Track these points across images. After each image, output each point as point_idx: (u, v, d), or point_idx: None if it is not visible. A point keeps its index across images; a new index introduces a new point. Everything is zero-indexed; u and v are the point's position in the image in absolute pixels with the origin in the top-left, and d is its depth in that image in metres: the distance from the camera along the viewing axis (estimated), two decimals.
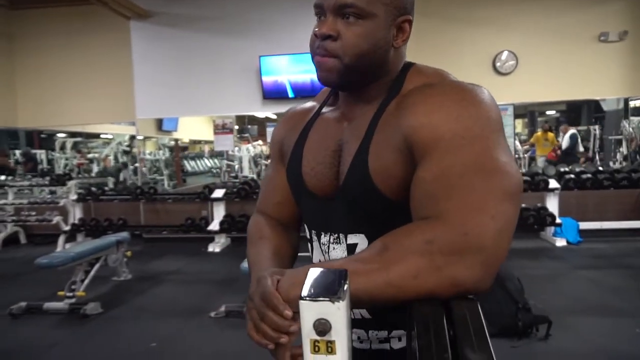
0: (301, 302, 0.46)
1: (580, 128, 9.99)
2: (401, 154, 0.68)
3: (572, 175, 5.13)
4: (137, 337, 3.03)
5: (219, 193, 5.53)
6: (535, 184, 4.98)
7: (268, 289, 0.58)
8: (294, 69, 5.68)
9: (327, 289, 0.47)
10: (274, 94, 5.90)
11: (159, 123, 8.72)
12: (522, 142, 8.82)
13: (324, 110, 0.85)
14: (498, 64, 5.72)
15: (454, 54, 5.75)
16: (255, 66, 5.83)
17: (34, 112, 6.63)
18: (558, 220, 4.88)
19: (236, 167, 10.78)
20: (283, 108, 6.00)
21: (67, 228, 5.69)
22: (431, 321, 0.54)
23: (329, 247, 0.80)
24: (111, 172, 9.71)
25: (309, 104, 0.91)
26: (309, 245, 0.86)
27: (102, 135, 11.28)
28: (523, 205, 5.04)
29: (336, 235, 0.78)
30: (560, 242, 4.93)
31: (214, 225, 5.45)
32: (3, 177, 7.24)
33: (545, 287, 3.62)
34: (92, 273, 3.74)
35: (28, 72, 6.56)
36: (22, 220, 5.95)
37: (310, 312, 0.46)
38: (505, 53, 5.70)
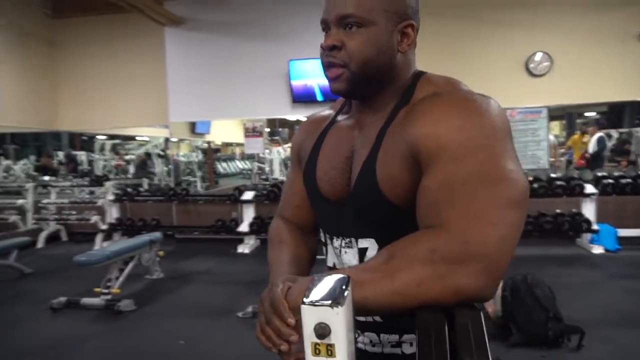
0: (302, 306, 0.49)
1: (622, 130, 9.57)
2: (407, 162, 0.70)
3: (611, 180, 4.94)
4: (167, 334, 3.13)
5: (248, 195, 5.63)
6: (571, 188, 4.83)
7: (277, 296, 0.61)
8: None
9: (328, 295, 0.49)
10: (303, 98, 5.96)
11: (192, 126, 8.95)
12: (559, 145, 8.55)
13: (339, 118, 0.89)
14: (531, 66, 5.57)
15: (485, 56, 5.65)
16: (285, 70, 5.91)
17: (75, 116, 6.93)
18: (595, 227, 4.71)
19: (267, 169, 10.93)
20: (312, 111, 6.01)
21: (104, 227, 5.92)
22: (432, 328, 0.56)
23: (340, 250, 0.82)
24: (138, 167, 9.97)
25: (327, 111, 0.94)
26: (324, 248, 0.89)
27: (137, 138, 11.68)
28: (558, 210, 4.89)
29: (348, 239, 0.81)
30: (597, 250, 4.75)
31: (244, 227, 5.55)
32: (47, 178, 7.62)
33: (579, 296, 3.51)
34: (126, 271, 3.89)
35: (69, 78, 6.87)
36: (64, 219, 6.24)
37: (310, 316, 0.48)
38: (539, 54, 5.54)
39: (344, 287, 0.51)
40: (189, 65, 6.28)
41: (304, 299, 0.49)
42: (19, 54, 6.23)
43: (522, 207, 0.63)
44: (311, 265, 0.92)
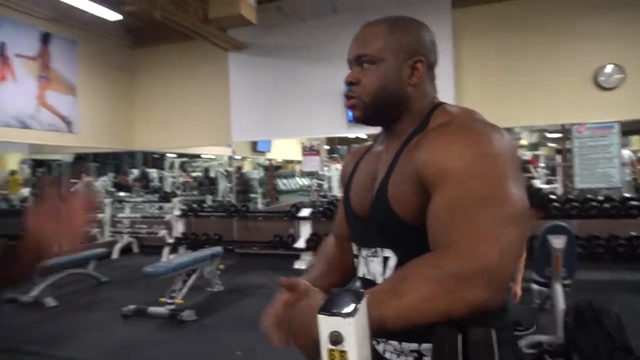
0: (319, 316, 0.55)
1: None
2: (415, 184, 0.78)
3: None
4: (225, 345, 3.28)
5: (305, 212, 5.76)
6: None
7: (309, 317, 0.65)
8: None
9: (341, 307, 0.55)
10: None
11: (254, 144, 9.31)
12: (638, 162, 7.94)
13: (375, 145, 1.01)
14: (601, 79, 5.28)
15: (549, 69, 5.44)
16: (341, 90, 6.02)
17: (149, 137, 7.49)
18: None
19: (325, 186, 11.07)
20: (367, 131, 6.11)
21: (170, 241, 6.30)
22: (446, 343, 0.60)
23: (367, 259, 0.91)
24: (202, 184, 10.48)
25: (369, 143, 1.08)
26: (356, 260, 0.98)
27: (203, 156, 12.31)
28: (632, 233, 4.55)
29: (373, 249, 0.90)
30: None
31: (300, 243, 5.67)
32: (122, 194, 8.25)
33: None
34: (189, 283, 4.12)
35: (144, 102, 7.47)
36: (136, 232, 6.73)
37: (325, 325, 0.54)
38: (610, 67, 5.25)
39: (357, 300, 0.56)
40: (251, 87, 6.59)
41: (320, 309, 0.55)
42: (101, 82, 6.88)
43: (521, 224, 0.69)
44: (350, 271, 1.03)
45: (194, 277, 4.21)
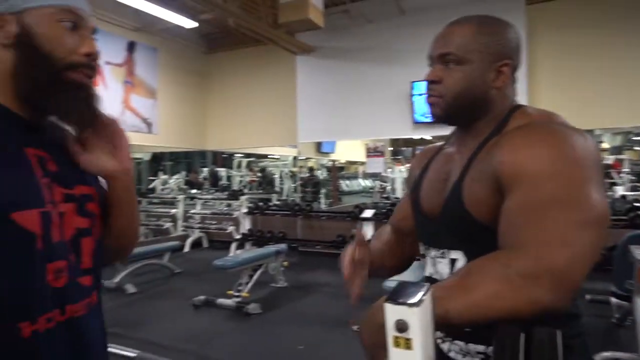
0: (385, 304, 0.59)
1: None
2: (490, 185, 0.78)
3: None
4: (288, 339, 3.39)
5: (368, 213, 5.77)
6: None
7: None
8: None
9: (407, 297, 0.59)
10: (424, 118, 5.96)
11: (319, 145, 9.47)
12: None
13: (446, 146, 1.01)
14: None
15: (633, 67, 5.02)
16: (407, 91, 5.98)
17: (219, 137, 7.87)
18: None
19: (388, 188, 10.99)
20: (433, 131, 6.02)
21: (238, 237, 6.57)
22: (508, 343, 0.62)
23: (435, 260, 0.93)
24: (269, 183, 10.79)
25: (438, 143, 1.08)
26: (423, 259, 0.99)
27: (269, 156, 12.69)
28: None
29: (442, 250, 0.91)
30: None
31: None
32: (194, 191, 8.73)
33: None
34: (255, 277, 4.29)
35: (216, 104, 7.85)
36: (206, 228, 7.10)
37: (392, 313, 0.58)
38: None
39: (423, 292, 0.60)
40: (317, 89, 6.72)
41: (387, 298, 0.59)
42: (177, 86, 7.33)
43: (597, 230, 0.68)
44: (403, 260, 1.09)
45: (259, 272, 4.38)
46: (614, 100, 5.12)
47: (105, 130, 0.85)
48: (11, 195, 0.68)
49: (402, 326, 0.57)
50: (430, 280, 0.93)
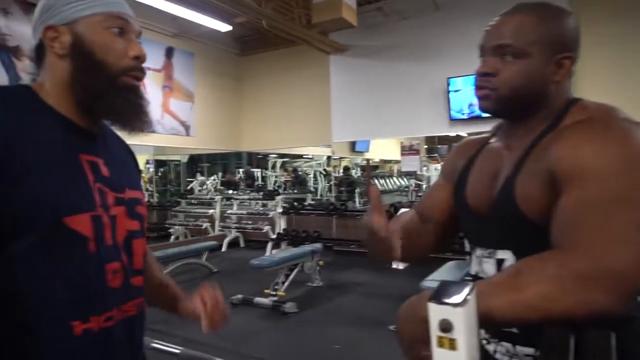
0: (429, 303, 0.58)
1: None
2: (546, 182, 0.74)
3: None
4: (324, 338, 3.39)
5: (403, 212, 5.70)
6: None
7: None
8: None
9: (451, 296, 0.57)
10: (461, 115, 5.83)
11: (352, 144, 9.43)
12: None
13: (492, 141, 0.96)
14: None
15: None
16: (443, 88, 5.87)
17: (255, 138, 7.99)
18: None
19: (424, 186, 10.82)
20: (470, 128, 5.87)
21: (273, 236, 6.65)
22: (556, 344, 0.59)
23: (481, 260, 0.89)
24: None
25: (482, 136, 1.03)
26: (469, 257, 0.96)
27: (304, 156, 12.76)
28: None
29: (489, 250, 0.87)
30: None
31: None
32: (230, 191, 8.89)
33: None
34: (291, 277, 4.33)
35: (250, 106, 7.97)
36: (242, 228, 7.22)
37: (436, 312, 0.57)
38: None
39: (467, 291, 0.58)
40: (351, 88, 6.70)
41: (431, 298, 0.58)
42: (212, 89, 7.49)
43: None
44: (423, 246, 1.01)
45: (295, 271, 4.41)
46: None
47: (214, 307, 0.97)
48: (64, 200, 0.72)
49: (446, 326, 0.56)
50: (476, 279, 0.90)
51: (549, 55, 0.79)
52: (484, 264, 0.87)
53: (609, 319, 0.62)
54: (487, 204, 0.86)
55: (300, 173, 11.23)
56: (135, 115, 0.81)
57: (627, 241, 0.62)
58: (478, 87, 0.84)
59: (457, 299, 0.57)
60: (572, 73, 0.82)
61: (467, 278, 0.94)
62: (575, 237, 0.65)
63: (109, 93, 0.78)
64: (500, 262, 0.84)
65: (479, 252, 0.89)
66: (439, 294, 0.59)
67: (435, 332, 0.58)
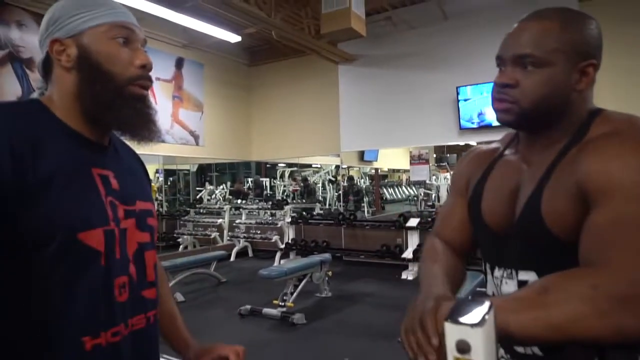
0: (445, 323, 0.55)
1: None
2: (575, 198, 0.70)
3: None
4: (333, 349, 3.35)
5: (413, 222, 5.66)
6: None
7: (428, 311, 0.66)
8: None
9: (469, 315, 0.55)
10: (471, 124, 5.80)
11: (361, 154, 9.41)
12: None
13: (507, 152, 0.91)
14: None
15: None
16: (453, 97, 5.85)
17: (264, 148, 8.02)
18: None
19: (433, 195, 10.76)
20: (480, 137, 5.83)
21: (282, 246, 6.62)
22: None
23: (501, 281, 0.83)
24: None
25: (494, 145, 0.97)
26: (484, 277, 0.91)
27: (312, 165, 12.76)
28: None
29: (509, 270, 0.82)
30: None
31: (408, 253, 5.58)
32: (239, 201, 8.90)
33: None
34: (299, 287, 4.29)
35: (259, 115, 8.01)
36: (250, 237, 7.21)
37: (452, 332, 0.55)
38: None
39: (485, 310, 0.56)
40: (359, 97, 6.70)
41: (447, 317, 0.56)
42: (222, 99, 7.54)
43: None
44: (459, 285, 0.94)
45: (304, 282, 4.38)
46: None
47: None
48: (79, 216, 0.71)
49: (463, 347, 0.54)
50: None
51: (572, 63, 0.74)
52: (504, 285, 0.82)
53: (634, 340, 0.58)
54: (507, 221, 0.81)
55: (309, 182, 11.21)
56: (144, 125, 0.81)
57: None
58: (497, 100, 0.79)
59: (474, 318, 0.55)
60: (594, 81, 0.78)
61: (479, 290, 0.91)
62: (608, 256, 0.62)
63: (116, 103, 0.77)
64: (522, 284, 0.79)
65: (497, 273, 0.84)
66: (455, 313, 0.56)
67: (452, 352, 0.55)
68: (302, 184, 11.53)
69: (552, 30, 0.74)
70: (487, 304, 0.58)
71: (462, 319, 0.55)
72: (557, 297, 0.60)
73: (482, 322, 0.54)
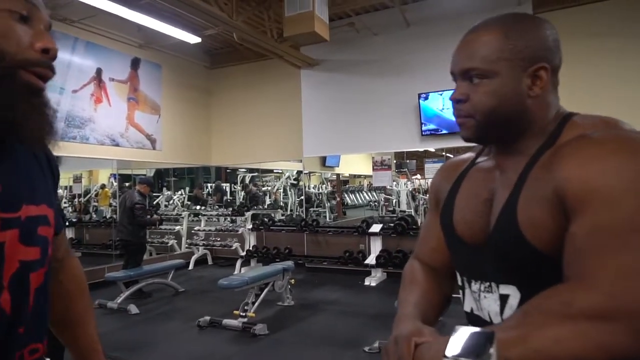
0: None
1: None
2: (552, 206, 0.66)
3: None
4: None
5: (376, 228, 5.65)
6: None
7: (404, 355, 0.61)
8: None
9: (471, 351, 0.48)
10: (432, 130, 5.87)
11: (323, 159, 9.39)
12: None
13: (479, 160, 0.87)
14: None
15: None
16: (414, 103, 5.91)
17: (224, 153, 7.82)
18: None
19: (394, 201, 10.88)
20: (441, 144, 5.92)
21: (243, 254, 6.45)
22: None
23: (479, 295, 0.79)
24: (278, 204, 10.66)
25: (467, 155, 0.94)
26: (461, 292, 0.86)
27: (274, 170, 12.62)
28: None
29: (487, 283, 0.77)
30: None
31: (371, 260, 5.56)
32: (198, 207, 8.63)
33: None
34: (261, 296, 4.16)
35: (219, 119, 7.81)
36: (210, 245, 6.98)
37: None
38: None
39: (488, 343, 0.49)
40: (322, 103, 6.66)
41: (447, 353, 0.48)
42: (181, 102, 7.30)
43: None
44: (443, 308, 0.90)
45: (265, 290, 4.25)
46: (634, 109, 5.00)
47: None
48: None
49: None
50: (471, 316, 0.81)
51: (520, 70, 0.72)
52: (483, 300, 0.78)
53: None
54: (481, 231, 0.77)
55: (252, 189, 10.99)
56: (36, 123, 0.64)
57: None
58: (455, 115, 0.79)
59: (479, 354, 0.47)
60: (556, 82, 0.76)
61: (465, 311, 0.84)
62: (587, 269, 0.57)
63: (2, 88, 0.61)
64: (504, 299, 0.75)
65: (474, 286, 0.80)
66: (458, 348, 0.49)
67: None
68: (262, 190, 11.35)
69: (493, 41, 0.73)
70: (489, 336, 0.51)
71: (464, 355, 0.48)
72: (535, 321, 0.57)
73: (487, 356, 0.47)
